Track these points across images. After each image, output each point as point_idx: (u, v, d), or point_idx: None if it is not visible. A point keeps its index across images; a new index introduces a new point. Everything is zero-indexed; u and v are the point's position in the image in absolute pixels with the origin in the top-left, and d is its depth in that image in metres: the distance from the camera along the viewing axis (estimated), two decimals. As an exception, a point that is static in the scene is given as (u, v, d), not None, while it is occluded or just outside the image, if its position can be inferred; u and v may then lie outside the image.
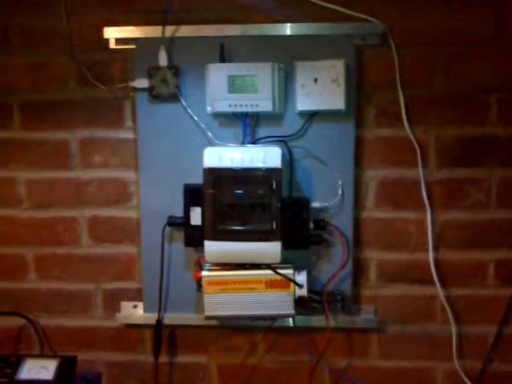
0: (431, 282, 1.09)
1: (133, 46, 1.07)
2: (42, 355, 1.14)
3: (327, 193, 1.06)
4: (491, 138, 1.08)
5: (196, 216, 1.02)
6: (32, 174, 1.14)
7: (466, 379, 1.10)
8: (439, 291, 1.09)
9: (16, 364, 0.97)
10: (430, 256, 1.08)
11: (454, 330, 1.10)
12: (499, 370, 1.13)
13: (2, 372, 0.96)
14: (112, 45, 1.08)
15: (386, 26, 1.04)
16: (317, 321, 1.09)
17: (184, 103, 1.06)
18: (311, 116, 1.05)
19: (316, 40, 1.04)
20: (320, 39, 1.04)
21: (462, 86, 1.07)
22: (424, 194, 1.08)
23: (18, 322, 1.17)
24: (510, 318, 1.11)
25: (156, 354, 1.12)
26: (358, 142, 1.07)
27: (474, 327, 1.12)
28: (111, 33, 1.07)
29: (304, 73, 1.03)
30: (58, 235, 1.15)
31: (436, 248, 1.09)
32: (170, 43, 1.05)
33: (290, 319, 1.09)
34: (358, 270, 1.11)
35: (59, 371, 0.95)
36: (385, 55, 1.06)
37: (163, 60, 1.04)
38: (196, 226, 1.02)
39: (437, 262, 1.09)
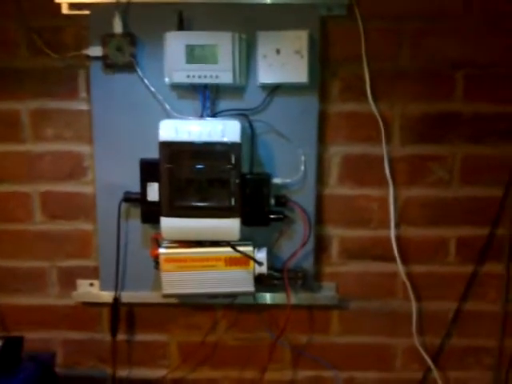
0: (393, 259, 1.09)
1: (87, 12, 1.01)
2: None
3: (289, 169, 1.04)
4: (456, 114, 1.06)
5: (153, 192, 0.99)
6: (-19, 146, 1.08)
7: (424, 355, 1.12)
8: (400, 268, 1.09)
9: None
10: (392, 233, 1.08)
11: (414, 306, 1.10)
12: (458, 345, 1.15)
13: None
14: (65, 10, 1.02)
15: (352, -3, 1.01)
16: (278, 298, 1.09)
17: (140, 73, 1.01)
18: (273, 89, 1.02)
19: (279, 9, 1.00)
20: (284, 8, 1.00)
21: (429, 61, 1.05)
22: (387, 171, 1.06)
23: (-31, 300, 1.14)
24: (469, 294, 1.12)
25: (113, 332, 1.10)
26: (322, 117, 1.05)
27: (435, 304, 1.13)
28: (63, -4, 1.01)
29: (266, 43, 0.99)
30: (10, 211, 1.10)
31: (398, 225, 1.09)
32: (126, 9, 1.00)
33: (252, 296, 1.08)
34: (320, 247, 1.10)
35: (3, 352, 0.92)
36: (350, 27, 1.03)
37: (118, 27, 0.99)
38: (153, 202, 0.99)
39: (398, 238, 1.09)
